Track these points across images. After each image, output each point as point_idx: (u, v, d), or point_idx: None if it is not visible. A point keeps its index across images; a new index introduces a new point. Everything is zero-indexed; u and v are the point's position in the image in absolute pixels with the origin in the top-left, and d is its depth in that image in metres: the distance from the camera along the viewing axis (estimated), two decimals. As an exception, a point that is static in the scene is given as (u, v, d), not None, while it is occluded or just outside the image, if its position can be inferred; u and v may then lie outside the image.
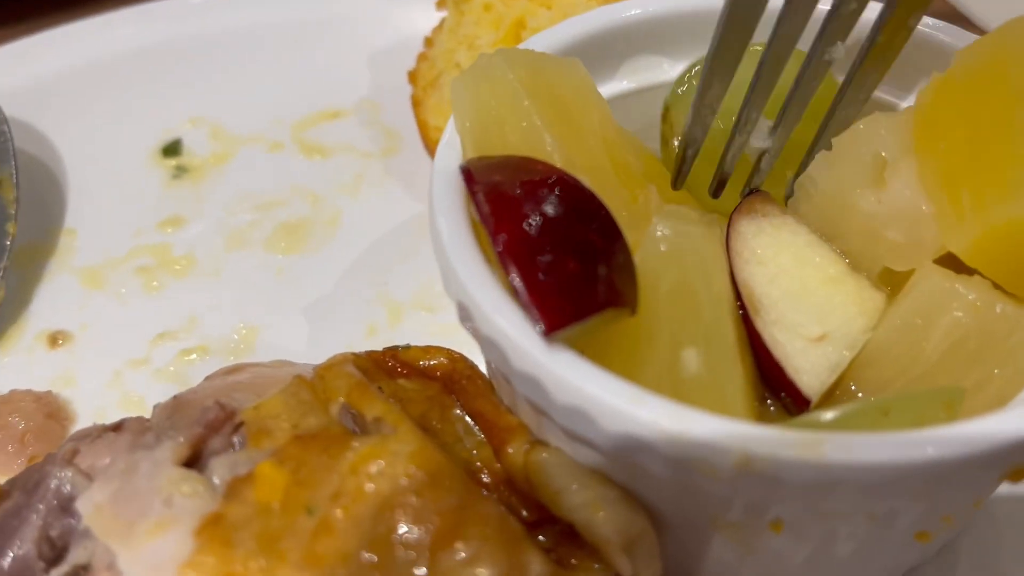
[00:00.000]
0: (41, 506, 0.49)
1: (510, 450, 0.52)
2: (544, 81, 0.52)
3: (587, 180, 0.49)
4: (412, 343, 0.61)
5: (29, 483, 0.51)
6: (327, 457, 0.46)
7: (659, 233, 0.48)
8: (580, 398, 0.43)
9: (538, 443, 0.52)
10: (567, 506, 0.49)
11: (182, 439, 0.48)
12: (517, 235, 0.44)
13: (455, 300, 0.48)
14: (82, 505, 0.47)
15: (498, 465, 0.53)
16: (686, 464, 0.42)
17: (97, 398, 0.67)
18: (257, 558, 0.42)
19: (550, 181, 0.47)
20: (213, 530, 0.43)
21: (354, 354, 0.56)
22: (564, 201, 0.46)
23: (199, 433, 0.49)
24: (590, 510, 0.48)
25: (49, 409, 0.66)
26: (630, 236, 0.49)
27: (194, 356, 0.70)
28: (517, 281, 0.43)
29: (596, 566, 0.49)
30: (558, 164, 0.50)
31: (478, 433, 0.55)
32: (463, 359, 0.58)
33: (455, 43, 0.78)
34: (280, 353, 0.69)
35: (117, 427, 0.53)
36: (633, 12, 0.65)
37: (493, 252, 0.46)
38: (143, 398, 0.67)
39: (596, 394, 0.43)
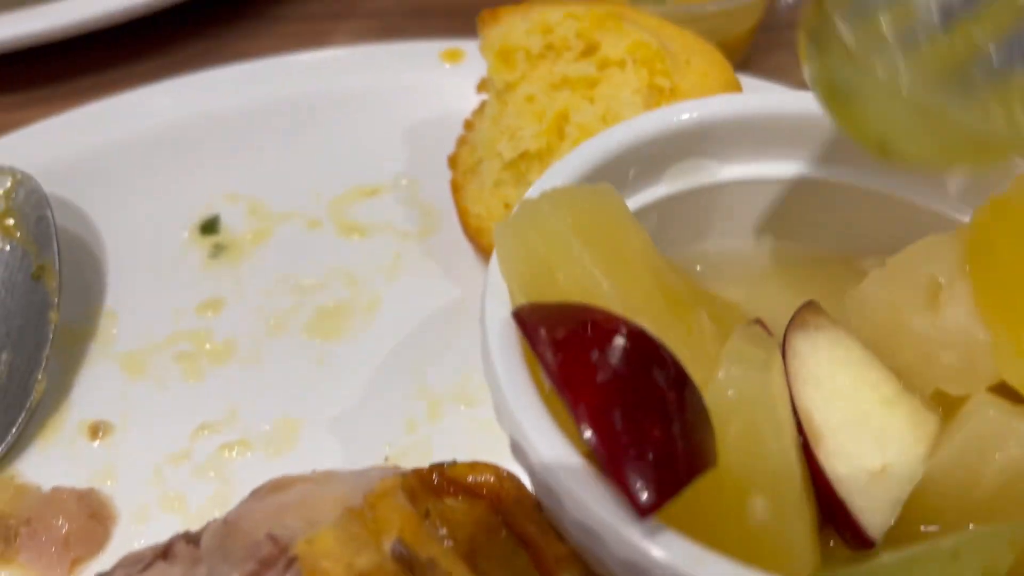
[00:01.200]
0: (93, 639, 0.49)
1: (561, 580, 0.51)
2: (588, 220, 0.52)
3: (646, 322, 0.49)
4: (456, 448, 0.61)
5: (80, 613, 0.51)
6: (382, 602, 0.45)
7: (727, 377, 0.48)
8: (639, 555, 0.43)
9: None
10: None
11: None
12: (594, 402, 0.44)
13: (536, 477, 0.47)
14: (135, 644, 0.47)
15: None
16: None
17: (138, 495, 0.67)
18: None
19: (617, 333, 0.46)
20: None
21: (402, 475, 0.55)
22: (634, 355, 0.46)
23: (253, 569, 0.48)
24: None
25: (92, 509, 0.66)
26: (694, 374, 0.49)
27: (234, 452, 0.70)
28: (604, 458, 0.43)
29: None
30: (617, 310, 0.49)
31: (525, 556, 0.54)
32: (511, 477, 0.57)
33: (497, 133, 0.78)
34: (319, 449, 0.69)
35: (166, 553, 0.52)
36: (680, 117, 0.65)
37: (559, 406, 0.45)
38: (184, 496, 0.67)
39: (659, 557, 0.42)
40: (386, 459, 0.69)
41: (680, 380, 0.47)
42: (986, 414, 0.52)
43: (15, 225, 0.77)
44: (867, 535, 0.50)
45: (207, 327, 0.78)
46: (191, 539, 0.54)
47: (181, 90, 0.93)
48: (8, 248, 0.76)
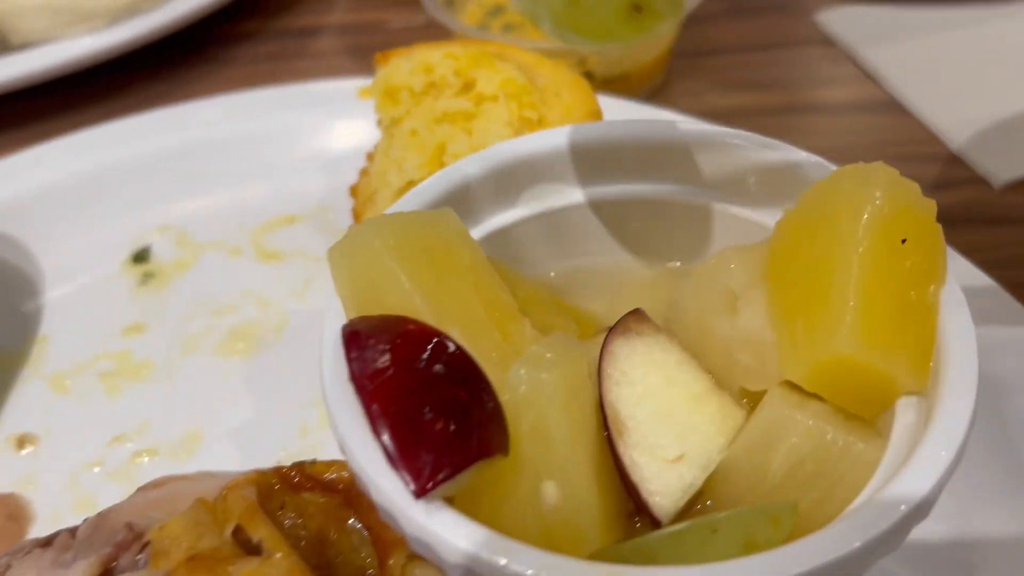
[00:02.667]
0: (-26, 617, 0.56)
1: (391, 562, 0.58)
2: (412, 241, 0.59)
3: (457, 330, 0.55)
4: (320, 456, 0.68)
5: (-32, 595, 0.58)
6: (213, 578, 0.52)
7: (516, 378, 0.54)
8: (423, 533, 0.50)
9: (415, 557, 0.58)
10: (433, 619, 0.55)
11: (94, 558, 0.55)
12: (387, 400, 0.50)
13: (352, 470, 0.54)
14: (4, 619, 0.54)
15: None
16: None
17: (55, 499, 0.75)
18: (141, 673, 0.48)
19: (419, 340, 0.53)
20: (107, 646, 0.50)
21: (259, 472, 0.62)
22: (432, 360, 0.52)
23: (109, 553, 0.56)
24: (452, 624, 0.54)
25: (10, 510, 0.73)
26: (500, 376, 0.55)
27: (144, 459, 0.77)
28: (389, 446, 0.49)
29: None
30: (430, 320, 0.56)
31: (371, 544, 0.61)
32: (363, 473, 0.64)
33: (387, 164, 0.85)
34: (219, 455, 0.76)
35: (47, 542, 0.60)
36: (532, 145, 0.72)
37: None
38: (94, 498, 0.75)
39: (436, 531, 0.49)
40: (278, 463, 0.76)
41: (473, 379, 0.54)
42: (773, 407, 0.58)
43: (-45, 258, 0.85)
44: (655, 515, 0.56)
45: (129, 348, 0.86)
46: (72, 532, 0.61)
47: (119, 131, 1.02)
48: (-52, 280, 0.85)
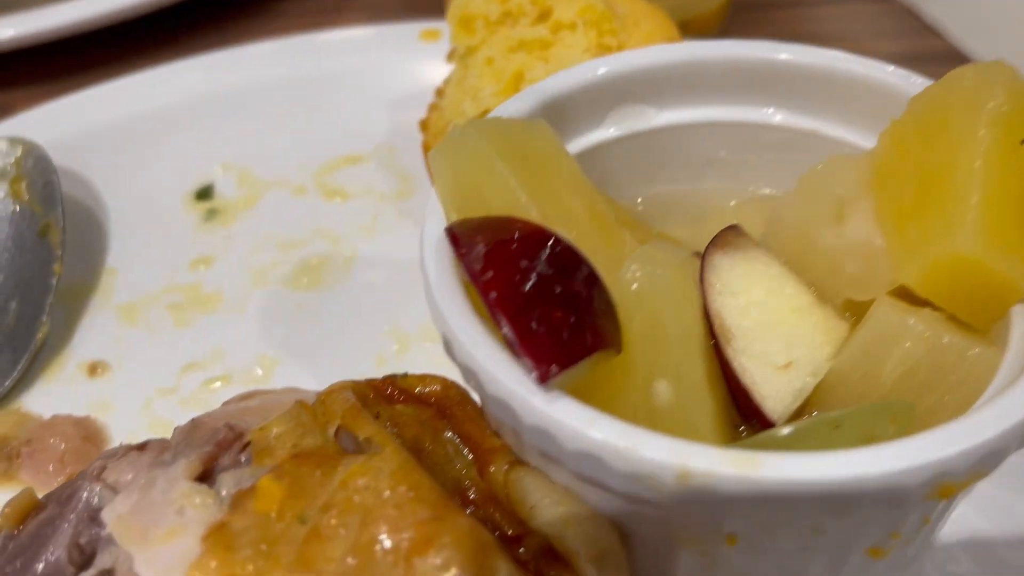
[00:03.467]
0: (72, 516, 0.55)
1: (493, 469, 0.57)
2: (514, 145, 0.58)
3: (563, 231, 0.54)
4: (412, 372, 0.66)
5: (63, 496, 0.57)
6: (320, 473, 0.51)
7: (630, 273, 0.53)
8: (544, 421, 0.48)
9: (518, 463, 0.57)
10: (541, 520, 0.53)
11: (195, 457, 0.54)
12: (505, 291, 0.49)
13: (461, 364, 0.53)
14: (106, 515, 0.53)
15: (483, 483, 0.58)
16: (636, 478, 0.47)
17: (130, 423, 0.74)
18: (254, 561, 0.47)
19: (529, 237, 0.52)
20: (218, 536, 0.49)
21: (353, 382, 0.61)
22: (544, 254, 0.51)
23: (210, 451, 0.54)
24: (562, 525, 0.53)
25: (86, 432, 0.72)
26: (608, 278, 0.54)
27: (217, 384, 0.76)
28: (509, 334, 0.48)
29: (566, 577, 0.54)
30: (535, 220, 0.55)
31: (467, 454, 0.60)
32: (455, 386, 0.63)
33: (461, 95, 0.84)
34: (296, 382, 0.74)
35: (141, 447, 0.59)
36: (618, 64, 0.71)
37: (485, 311, 0.51)
38: (170, 423, 0.73)
39: (559, 419, 0.48)
40: (358, 388, 0.75)
41: (587, 276, 0.52)
42: (885, 313, 0.56)
43: (24, 188, 0.84)
44: (768, 418, 0.54)
45: (198, 280, 0.85)
46: (164, 441, 0.60)
47: (180, 72, 1.01)
48: (17, 209, 0.84)
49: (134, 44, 1.19)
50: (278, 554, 0.48)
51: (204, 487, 0.52)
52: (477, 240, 0.54)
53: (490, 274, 0.51)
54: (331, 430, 0.55)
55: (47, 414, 0.75)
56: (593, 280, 0.52)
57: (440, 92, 0.91)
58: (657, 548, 0.55)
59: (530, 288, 0.50)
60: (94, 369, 0.78)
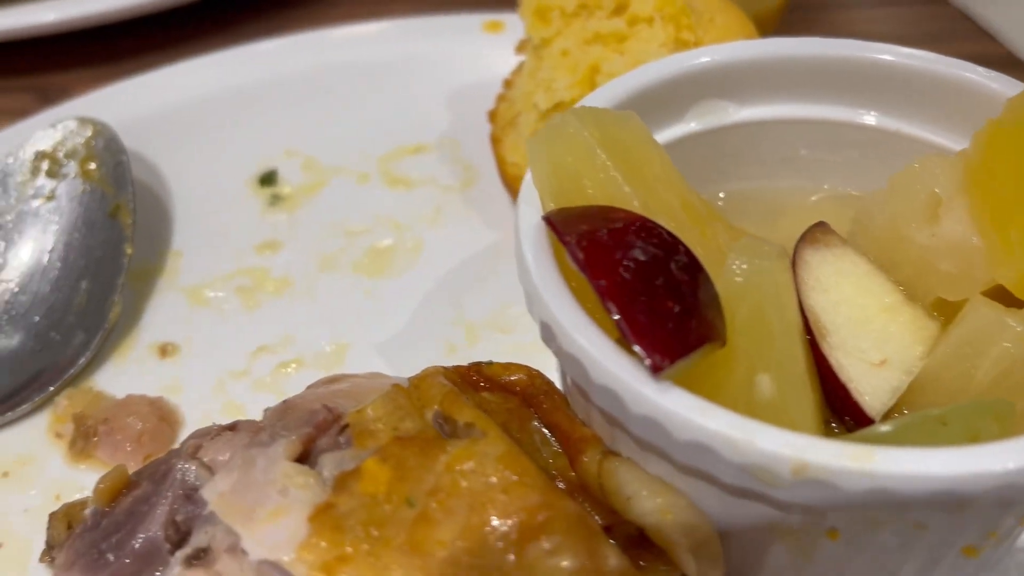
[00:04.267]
0: (168, 494, 0.55)
1: (585, 459, 0.56)
2: (611, 134, 0.58)
3: (663, 222, 0.54)
4: (481, 360, 0.66)
5: (157, 474, 0.57)
6: (424, 457, 0.51)
7: (735, 266, 0.53)
8: (655, 411, 0.48)
9: (611, 453, 0.57)
10: (638, 511, 0.53)
11: (294, 437, 0.54)
12: (615, 279, 0.49)
13: (563, 352, 0.52)
14: (207, 493, 0.53)
15: (572, 473, 0.58)
16: (749, 470, 0.47)
17: (203, 404, 0.74)
18: (364, 542, 0.47)
19: (634, 226, 0.52)
20: (324, 517, 0.49)
21: (443, 368, 0.61)
22: (649, 243, 0.51)
23: (309, 433, 0.54)
24: (660, 515, 0.53)
25: (161, 413, 0.72)
26: (707, 269, 0.54)
27: (290, 368, 0.76)
28: (622, 323, 0.48)
29: (663, 568, 0.54)
30: (637, 210, 0.55)
31: (554, 444, 0.59)
32: (541, 376, 0.63)
33: (533, 86, 0.84)
34: (367, 367, 0.75)
35: (232, 427, 0.59)
36: (701, 59, 0.70)
37: (585, 298, 0.51)
38: (243, 405, 0.74)
39: (671, 409, 0.48)
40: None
41: (693, 267, 0.52)
42: (981, 312, 0.56)
43: (95, 169, 0.84)
44: (866, 414, 0.54)
45: (264, 264, 0.85)
46: (254, 422, 0.60)
47: (244, 57, 1.01)
48: (88, 189, 0.84)
49: (188, 28, 1.20)
50: (388, 536, 0.48)
51: (305, 468, 0.52)
52: (581, 229, 0.53)
53: (599, 262, 0.51)
54: (428, 414, 0.55)
55: (120, 394, 0.75)
56: (698, 271, 0.52)
57: (508, 83, 0.91)
58: (751, 541, 0.55)
59: (639, 278, 0.50)
60: (164, 350, 0.79)
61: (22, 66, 1.16)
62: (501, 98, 0.91)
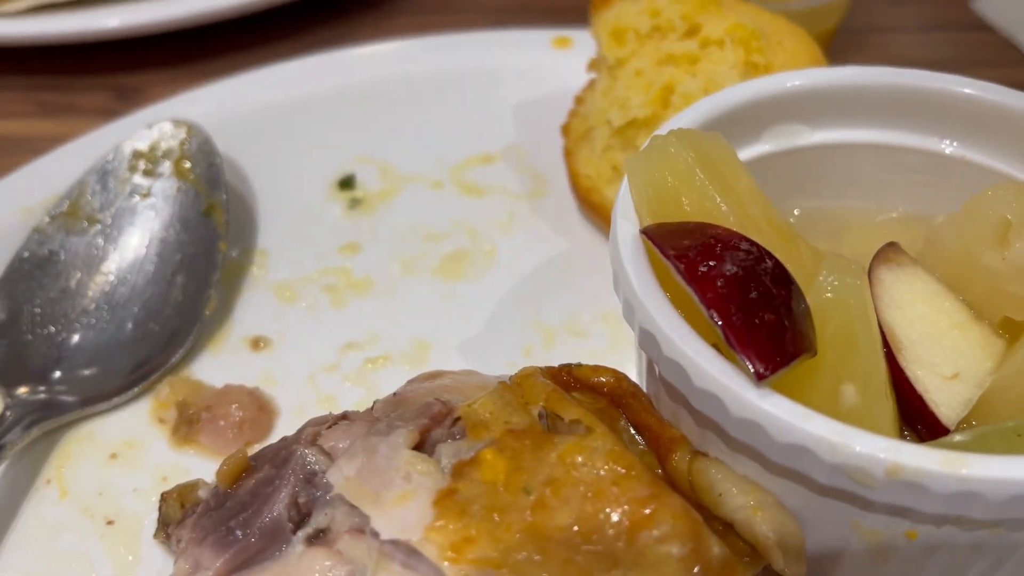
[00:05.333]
0: (291, 477, 0.60)
1: (675, 458, 0.61)
2: (705, 154, 0.62)
3: (754, 238, 0.58)
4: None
5: (278, 458, 0.61)
6: (537, 449, 0.55)
7: (826, 282, 0.57)
8: (754, 414, 0.52)
9: (700, 453, 0.61)
10: (729, 507, 0.58)
11: (412, 427, 0.58)
12: (716, 291, 0.53)
13: (664, 358, 0.56)
14: (332, 477, 0.57)
15: (659, 472, 0.62)
16: (844, 471, 0.51)
17: (297, 396, 0.78)
18: (487, 525, 0.52)
19: (731, 241, 0.56)
20: (448, 502, 0.53)
21: (540, 368, 0.65)
22: (747, 258, 0.55)
23: (425, 424, 0.59)
24: (750, 511, 0.57)
25: (259, 403, 0.77)
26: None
27: (378, 364, 0.80)
28: (727, 332, 0.52)
29: (750, 561, 0.58)
30: (732, 226, 0.59)
31: (641, 443, 0.64)
32: (627, 378, 0.67)
33: (607, 104, 0.88)
34: (449, 366, 0.79)
35: (345, 416, 0.63)
36: (778, 84, 0.75)
37: (680, 308, 0.55)
38: (335, 397, 0.78)
39: (772, 413, 0.52)
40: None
41: (786, 281, 0.56)
42: (1048, 332, 0.60)
43: (189, 168, 0.89)
44: (942, 424, 0.58)
45: (348, 265, 0.90)
46: (367, 412, 0.64)
47: (323, 65, 1.06)
48: (183, 188, 0.88)
49: (259, 35, 1.25)
50: (509, 521, 0.52)
51: (424, 456, 0.57)
52: (683, 243, 0.58)
53: (701, 275, 0.55)
54: (535, 410, 0.60)
55: (215, 383, 0.79)
56: (791, 285, 0.57)
57: (579, 99, 0.96)
58: (831, 540, 0.59)
59: (738, 289, 0.55)
60: (256, 344, 0.83)
61: (99, 66, 1.21)
62: (573, 113, 0.95)
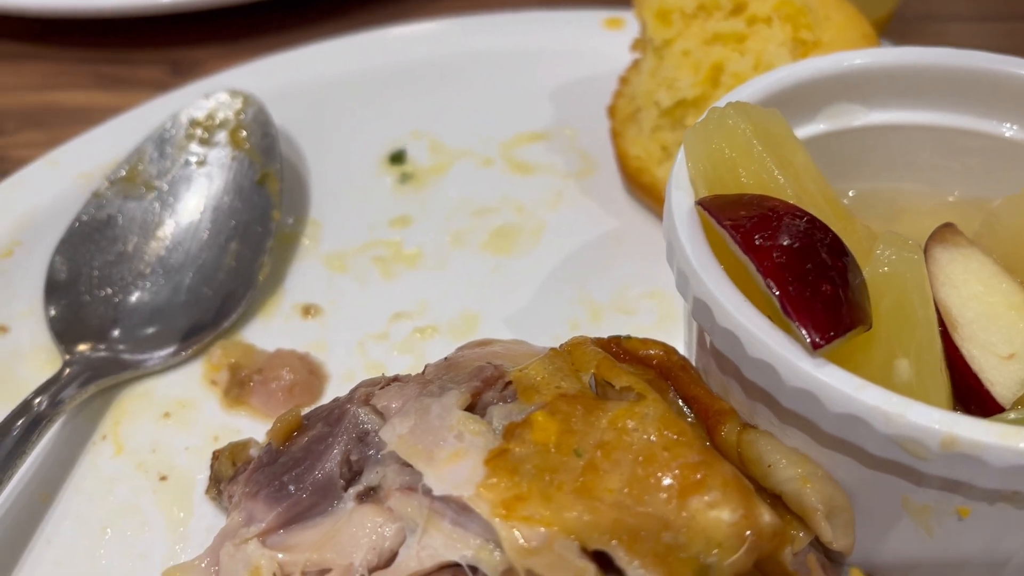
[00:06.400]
0: (343, 435, 0.61)
1: (724, 429, 0.61)
2: (764, 129, 0.62)
3: (813, 212, 0.58)
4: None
5: (331, 417, 0.62)
6: (588, 413, 0.56)
7: (883, 256, 0.57)
8: (808, 383, 0.52)
9: (749, 426, 0.61)
10: (778, 478, 0.58)
11: (464, 389, 0.59)
12: (773, 261, 0.53)
13: (718, 328, 0.56)
14: (385, 435, 0.58)
15: (708, 443, 0.62)
16: (899, 441, 0.51)
17: (347, 362, 0.80)
18: (538, 484, 0.52)
19: (788, 213, 0.56)
20: (500, 461, 0.54)
21: (590, 338, 0.66)
22: (804, 230, 0.55)
23: (477, 387, 0.59)
24: (800, 482, 0.57)
25: (310, 367, 0.78)
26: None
27: (426, 334, 0.81)
28: (784, 302, 0.52)
29: (798, 533, 0.58)
30: (790, 199, 0.59)
31: (690, 415, 0.64)
32: (676, 351, 0.67)
33: (655, 84, 0.88)
34: (500, 337, 0.79)
35: (396, 379, 0.64)
36: (834, 64, 0.74)
37: (735, 278, 0.55)
38: (384, 363, 0.79)
39: (827, 382, 0.52)
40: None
41: (842, 253, 0.56)
42: (1105, 314, 0.59)
43: (245, 138, 0.90)
44: (997, 403, 0.58)
45: (398, 238, 0.91)
46: (420, 375, 0.65)
47: (377, 42, 1.07)
48: (237, 157, 0.90)
49: (312, 12, 1.26)
50: (560, 481, 0.52)
51: (476, 416, 0.57)
52: (739, 214, 0.58)
53: (758, 245, 0.55)
54: (586, 377, 0.60)
55: (267, 348, 0.81)
56: (847, 257, 0.56)
57: (624, 80, 0.96)
58: (880, 515, 0.59)
59: (796, 260, 0.55)
60: (308, 311, 0.84)
61: (156, 40, 1.23)
62: (619, 94, 0.95)
